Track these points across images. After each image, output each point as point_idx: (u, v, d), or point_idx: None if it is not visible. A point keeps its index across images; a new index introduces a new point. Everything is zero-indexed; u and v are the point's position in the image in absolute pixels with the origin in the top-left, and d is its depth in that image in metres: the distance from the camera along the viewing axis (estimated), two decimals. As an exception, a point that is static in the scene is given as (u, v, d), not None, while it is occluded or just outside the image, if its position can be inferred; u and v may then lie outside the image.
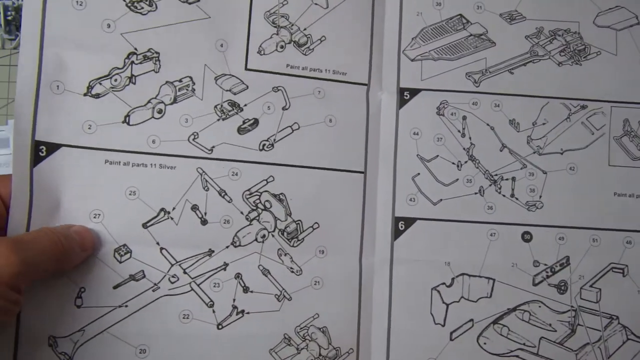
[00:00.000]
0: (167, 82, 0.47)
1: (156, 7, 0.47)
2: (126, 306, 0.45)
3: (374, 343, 0.49)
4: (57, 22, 0.45)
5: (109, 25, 0.46)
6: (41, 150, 0.44)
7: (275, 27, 0.50)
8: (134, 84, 0.46)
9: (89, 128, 0.45)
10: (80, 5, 0.45)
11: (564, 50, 0.52)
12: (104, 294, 0.45)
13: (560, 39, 0.52)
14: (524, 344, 0.49)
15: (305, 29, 0.50)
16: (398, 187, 0.51)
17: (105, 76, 0.46)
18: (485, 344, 0.49)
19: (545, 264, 0.50)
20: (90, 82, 0.45)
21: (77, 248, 0.43)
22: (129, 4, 0.46)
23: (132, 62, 0.46)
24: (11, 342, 0.43)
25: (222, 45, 0.48)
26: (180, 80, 0.47)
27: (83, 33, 0.46)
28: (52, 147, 0.44)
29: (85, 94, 0.45)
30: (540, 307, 0.49)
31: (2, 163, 0.51)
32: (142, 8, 0.47)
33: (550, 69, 0.52)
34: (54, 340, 0.44)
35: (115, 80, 0.46)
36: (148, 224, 0.46)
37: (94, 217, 0.45)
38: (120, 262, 0.45)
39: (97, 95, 0.46)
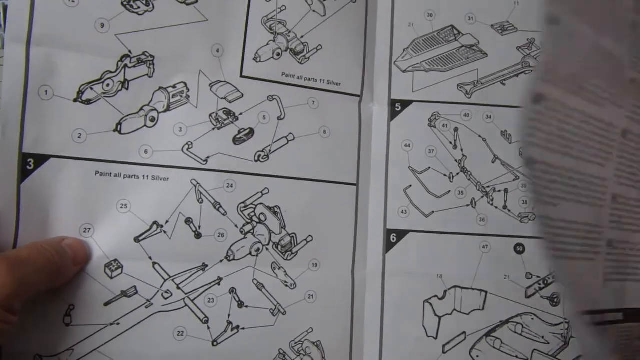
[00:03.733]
0: (160, 87, 0.45)
1: (153, 7, 0.45)
2: (118, 324, 0.43)
3: (366, 357, 0.48)
4: (46, 19, 0.42)
5: (102, 25, 0.43)
6: (29, 164, 0.41)
7: (272, 33, 0.48)
8: (127, 89, 0.44)
9: (79, 137, 0.43)
10: (73, 2, 0.42)
11: (557, 64, 0.53)
12: (94, 312, 0.42)
13: (553, 52, 0.53)
14: (516, 357, 0.49)
15: (302, 37, 0.49)
16: (390, 199, 0.50)
17: (97, 80, 0.43)
18: (478, 356, 0.49)
19: (538, 276, 0.50)
20: (80, 86, 0.43)
21: (70, 263, 0.40)
22: (125, 3, 0.44)
23: (126, 66, 0.44)
24: None
25: (218, 51, 0.46)
26: (174, 86, 0.45)
27: (75, 32, 0.43)
28: (41, 159, 0.42)
29: (75, 100, 0.43)
30: (532, 319, 0.50)
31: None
32: (139, 7, 0.44)
33: (542, 82, 0.52)
34: (40, 359, 0.41)
35: (108, 85, 0.43)
36: (140, 238, 0.44)
37: (84, 232, 0.43)
38: (112, 278, 0.43)
39: (88, 102, 0.43)
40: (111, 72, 0.43)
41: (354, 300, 0.49)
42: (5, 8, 0.42)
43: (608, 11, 0.36)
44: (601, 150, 0.35)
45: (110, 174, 0.43)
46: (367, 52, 0.51)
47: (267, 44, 0.48)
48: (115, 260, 0.43)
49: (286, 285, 0.47)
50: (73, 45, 0.43)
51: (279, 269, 0.47)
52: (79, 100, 0.43)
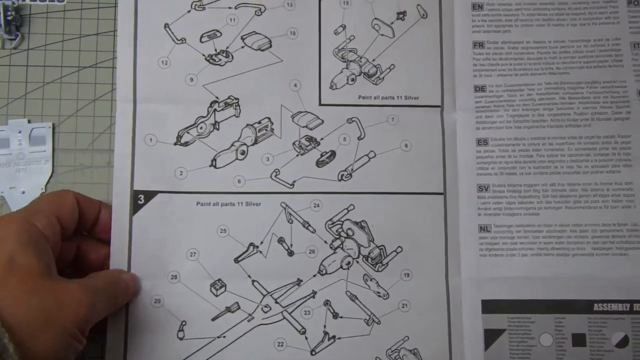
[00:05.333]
0: (247, 124, 0.50)
1: (232, 58, 0.51)
2: (224, 337, 0.48)
3: (468, 362, 0.49)
4: (146, 81, 0.50)
5: (191, 79, 0.50)
6: (140, 199, 0.49)
7: (344, 61, 0.52)
8: (218, 129, 0.50)
9: (181, 174, 0.49)
10: (165, 64, 0.50)
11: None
12: (203, 326, 0.48)
13: None
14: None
15: (374, 60, 0.52)
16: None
17: (191, 125, 0.50)
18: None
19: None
20: (179, 132, 0.50)
21: (122, 295, 0.46)
22: (208, 58, 0.51)
23: (215, 110, 0.50)
24: None
25: (295, 85, 0.51)
26: (259, 122, 0.51)
27: (169, 88, 0.50)
28: (150, 195, 0.49)
29: (175, 143, 0.50)
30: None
31: (2, 163, 0.52)
32: (220, 60, 0.51)
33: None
34: (158, 370, 0.48)
35: (201, 128, 0.50)
36: (239, 259, 0.49)
37: (190, 256, 0.49)
38: (217, 296, 0.49)
39: (186, 144, 0.50)
40: (203, 117, 0.50)
41: (450, 306, 0.50)
42: (5, 8, 0.49)
43: None
44: None
45: (210, 203, 0.50)
46: (445, 63, 0.52)
47: (341, 72, 0.52)
48: (219, 279, 0.49)
49: (379, 296, 0.50)
50: (169, 98, 0.50)
51: (371, 280, 0.50)
52: (179, 143, 0.50)
